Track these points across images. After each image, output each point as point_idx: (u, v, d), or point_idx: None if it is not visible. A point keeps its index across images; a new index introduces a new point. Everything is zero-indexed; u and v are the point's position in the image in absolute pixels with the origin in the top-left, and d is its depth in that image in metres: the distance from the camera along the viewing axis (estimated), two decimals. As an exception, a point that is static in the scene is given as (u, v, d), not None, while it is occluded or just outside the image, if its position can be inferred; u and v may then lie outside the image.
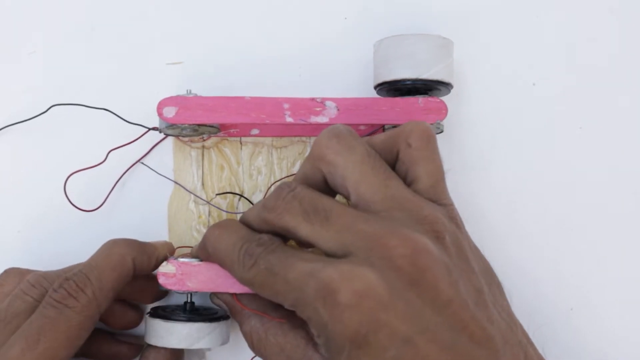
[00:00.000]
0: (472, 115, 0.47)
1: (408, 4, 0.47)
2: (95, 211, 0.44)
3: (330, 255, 0.33)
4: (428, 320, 0.31)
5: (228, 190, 0.45)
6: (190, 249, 0.44)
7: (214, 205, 0.45)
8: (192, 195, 0.45)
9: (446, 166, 0.37)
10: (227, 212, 0.45)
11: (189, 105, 0.41)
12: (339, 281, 0.31)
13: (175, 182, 0.45)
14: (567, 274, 0.46)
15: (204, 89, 0.43)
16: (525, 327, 0.35)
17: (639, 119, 0.47)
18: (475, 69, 0.47)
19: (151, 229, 0.45)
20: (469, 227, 0.37)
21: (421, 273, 0.31)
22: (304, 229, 0.34)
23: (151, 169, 0.45)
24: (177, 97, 0.41)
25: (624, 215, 0.47)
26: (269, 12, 0.47)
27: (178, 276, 0.40)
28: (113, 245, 0.39)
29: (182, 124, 0.41)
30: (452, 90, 0.44)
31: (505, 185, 0.46)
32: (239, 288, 0.40)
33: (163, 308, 0.42)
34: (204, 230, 0.44)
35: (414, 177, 0.36)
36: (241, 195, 0.45)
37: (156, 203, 0.45)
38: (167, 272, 0.40)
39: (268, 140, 0.45)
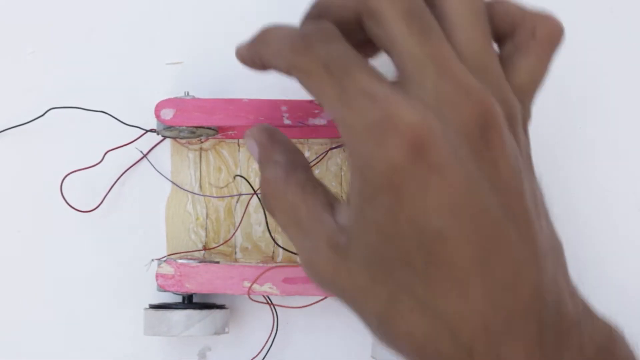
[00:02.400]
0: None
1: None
2: (94, 212, 0.44)
3: (401, 68, 0.29)
4: (480, 197, 0.28)
5: (226, 192, 0.45)
6: (185, 253, 0.44)
7: (211, 196, 0.45)
8: (189, 198, 0.45)
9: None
10: (224, 196, 0.45)
11: (187, 108, 0.41)
12: (404, 122, 0.27)
13: (173, 183, 0.45)
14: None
15: (202, 90, 0.44)
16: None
17: (639, 119, 0.47)
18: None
19: (148, 230, 0.45)
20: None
21: (485, 143, 0.28)
22: (398, 28, 0.29)
23: (151, 163, 0.45)
24: (175, 99, 0.41)
25: (624, 216, 0.46)
26: (269, 13, 0.46)
27: (176, 277, 0.40)
28: None
29: (180, 126, 0.41)
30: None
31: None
32: (238, 289, 0.40)
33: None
34: (202, 233, 0.45)
35: (520, 67, 0.32)
36: (240, 195, 0.45)
37: (154, 204, 0.45)
38: (166, 274, 0.40)
39: (265, 142, 0.45)
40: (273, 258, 0.44)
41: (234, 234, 0.44)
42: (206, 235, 0.45)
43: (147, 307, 0.42)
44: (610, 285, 0.46)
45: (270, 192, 0.33)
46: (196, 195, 0.45)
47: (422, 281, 0.29)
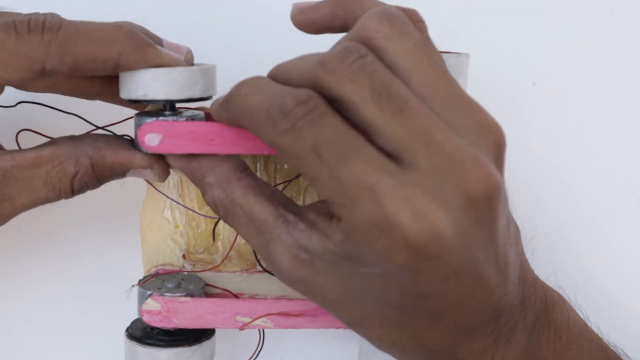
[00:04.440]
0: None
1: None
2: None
3: (388, 151, 0.28)
4: (474, 259, 0.29)
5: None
6: (170, 266, 0.41)
7: (192, 210, 0.41)
8: (167, 203, 0.41)
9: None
10: (206, 215, 0.41)
11: (177, 132, 0.35)
12: (408, 222, 0.27)
13: (149, 183, 0.40)
14: (566, 274, 0.46)
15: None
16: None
17: (639, 119, 0.47)
18: (474, 69, 0.44)
19: (124, 237, 0.43)
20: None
21: (489, 212, 0.28)
22: (370, 112, 0.28)
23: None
24: (163, 122, 0.35)
25: (624, 215, 0.47)
26: (272, 14, 0.43)
27: (164, 313, 0.38)
28: None
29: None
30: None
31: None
32: (230, 324, 0.38)
33: (145, 325, 0.40)
34: (181, 240, 0.41)
35: None
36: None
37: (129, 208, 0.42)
38: (152, 310, 0.38)
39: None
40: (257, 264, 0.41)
41: (228, 253, 0.41)
42: (186, 243, 0.41)
43: (127, 331, 0.39)
44: (610, 284, 0.47)
45: (222, 213, 0.33)
46: (175, 201, 0.41)
47: (396, 311, 0.30)
